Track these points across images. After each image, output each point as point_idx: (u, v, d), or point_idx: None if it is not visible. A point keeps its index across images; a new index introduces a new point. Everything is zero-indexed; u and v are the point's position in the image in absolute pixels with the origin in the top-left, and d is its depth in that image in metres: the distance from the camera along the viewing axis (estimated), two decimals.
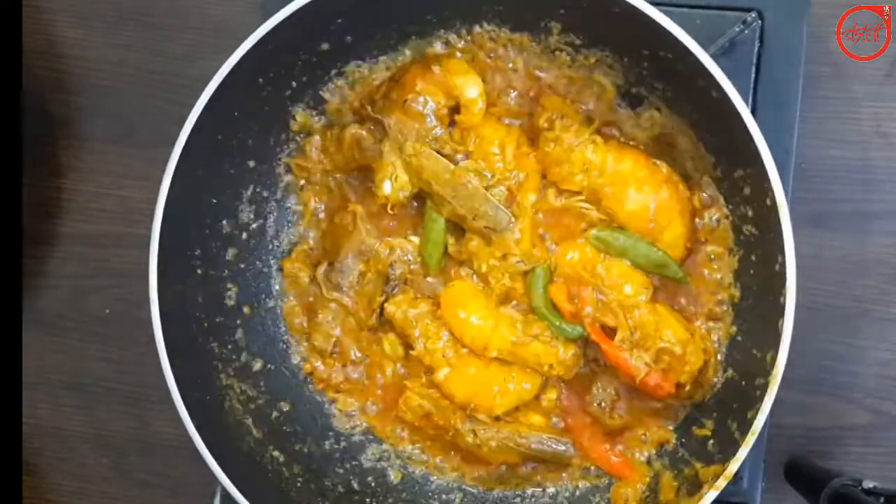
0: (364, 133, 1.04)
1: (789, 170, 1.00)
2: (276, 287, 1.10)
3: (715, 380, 0.98)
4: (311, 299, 1.10)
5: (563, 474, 1.05)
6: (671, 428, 1.01)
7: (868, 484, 0.93)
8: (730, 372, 0.97)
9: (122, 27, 1.16)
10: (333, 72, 1.04)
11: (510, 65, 1.02)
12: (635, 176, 0.98)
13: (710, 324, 0.99)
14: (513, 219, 1.01)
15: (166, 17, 1.15)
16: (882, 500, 0.91)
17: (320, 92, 1.05)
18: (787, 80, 1.00)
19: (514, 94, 1.03)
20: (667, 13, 0.84)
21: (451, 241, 1.05)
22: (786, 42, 1.00)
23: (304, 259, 1.10)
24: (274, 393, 1.08)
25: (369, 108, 1.03)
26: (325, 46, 0.99)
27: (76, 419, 1.20)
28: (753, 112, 1.00)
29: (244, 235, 1.07)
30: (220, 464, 0.92)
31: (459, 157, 1.02)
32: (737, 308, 0.98)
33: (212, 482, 0.94)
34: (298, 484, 1.02)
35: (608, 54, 0.98)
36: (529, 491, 1.06)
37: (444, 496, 1.08)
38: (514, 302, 1.04)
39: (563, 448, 1.03)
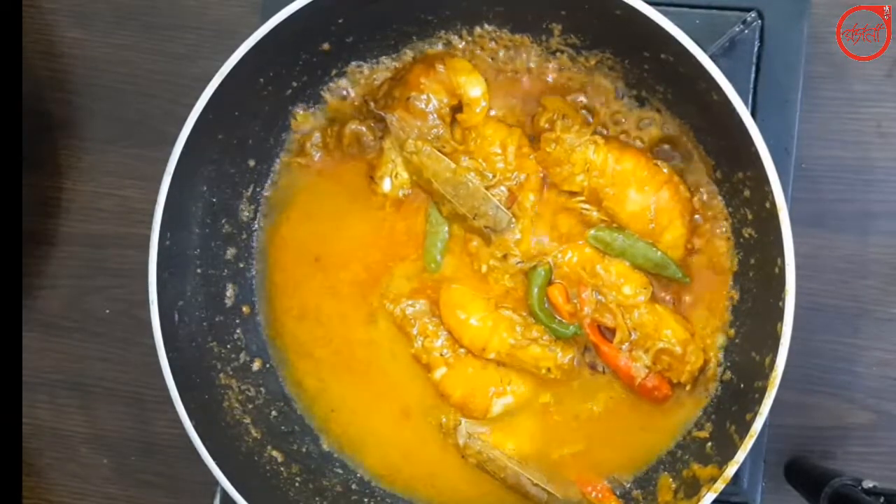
0: (364, 129, 1.04)
1: (789, 170, 1.00)
2: None
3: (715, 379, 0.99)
4: None
5: None
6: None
7: (868, 484, 0.93)
8: (728, 374, 0.97)
9: (122, 27, 1.16)
10: (334, 72, 1.04)
11: (511, 66, 1.02)
12: (636, 176, 0.98)
13: (709, 326, 0.99)
14: (513, 219, 1.01)
15: (166, 17, 1.15)
16: (882, 500, 0.91)
17: (321, 92, 1.05)
18: (787, 80, 1.00)
19: (515, 95, 1.03)
20: (666, 13, 0.84)
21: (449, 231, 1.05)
22: (786, 42, 1.00)
23: None
24: (272, 392, 1.08)
25: (372, 105, 1.03)
26: (325, 46, 1.00)
27: (76, 419, 1.19)
28: (753, 112, 1.00)
29: (244, 235, 1.07)
30: (218, 463, 0.92)
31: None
32: (736, 310, 0.98)
33: (211, 482, 0.94)
34: (297, 483, 1.02)
35: (609, 56, 0.98)
36: None
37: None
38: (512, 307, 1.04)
39: (540, 494, 1.02)
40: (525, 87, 1.03)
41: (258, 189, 1.07)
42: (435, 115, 1.02)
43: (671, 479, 0.97)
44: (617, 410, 1.02)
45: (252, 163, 1.05)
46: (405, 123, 1.01)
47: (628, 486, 1.02)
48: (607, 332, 1.01)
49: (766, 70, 1.01)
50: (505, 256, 1.02)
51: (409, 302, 1.05)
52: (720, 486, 0.86)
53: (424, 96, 1.01)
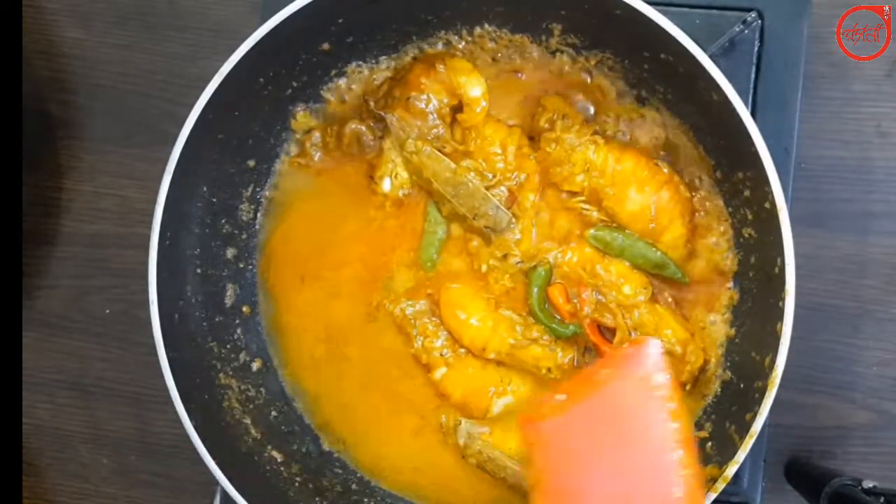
0: (364, 129, 1.04)
1: (789, 170, 1.00)
2: None
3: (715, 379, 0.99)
4: None
5: None
6: None
7: (868, 484, 0.93)
8: (728, 374, 0.97)
9: (122, 27, 1.16)
10: (334, 72, 1.04)
11: (511, 66, 1.02)
12: (636, 176, 0.98)
13: (709, 326, 0.99)
14: (513, 219, 1.01)
15: (166, 17, 1.15)
16: (882, 500, 0.91)
17: (321, 92, 1.05)
18: (787, 80, 1.00)
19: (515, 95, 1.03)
20: (666, 13, 0.84)
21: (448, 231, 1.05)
22: (786, 42, 1.00)
23: None
24: (272, 392, 1.08)
25: (372, 105, 1.03)
26: (325, 46, 1.00)
27: (76, 419, 1.19)
28: (753, 112, 1.00)
29: (244, 235, 1.07)
30: (218, 463, 0.92)
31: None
32: (735, 310, 0.98)
33: (211, 482, 0.94)
34: (297, 484, 1.02)
35: (609, 56, 0.98)
36: None
37: None
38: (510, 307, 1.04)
39: None
40: (525, 87, 1.03)
41: (258, 189, 1.07)
42: (435, 115, 1.02)
43: None
44: None
45: (252, 163, 1.05)
46: (405, 123, 1.01)
47: None
48: (607, 332, 1.01)
49: (766, 70, 1.01)
50: (505, 256, 1.02)
51: (409, 302, 1.05)
52: (720, 486, 0.86)
53: (424, 96, 1.01)
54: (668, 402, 0.78)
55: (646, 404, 0.78)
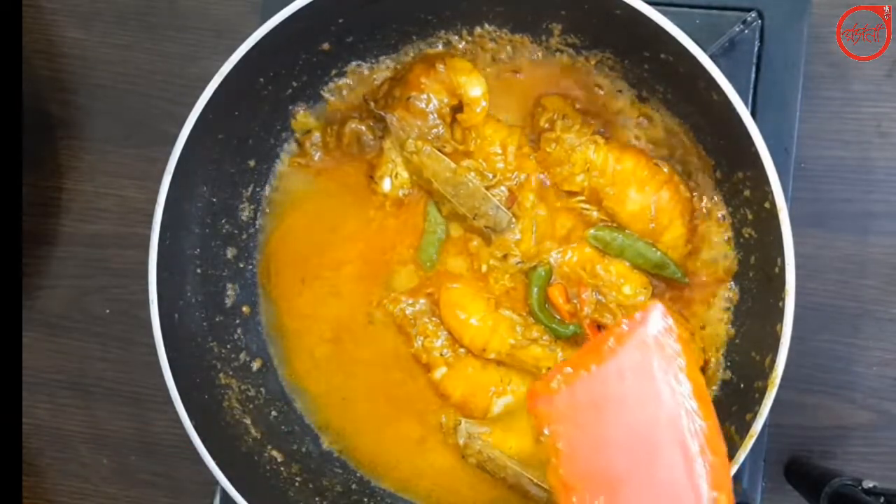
0: (364, 129, 1.04)
1: (789, 170, 1.00)
2: None
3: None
4: None
5: None
6: None
7: (868, 484, 0.93)
8: (728, 374, 0.97)
9: (122, 27, 1.16)
10: (334, 72, 1.04)
11: (511, 66, 1.02)
12: (636, 176, 0.98)
13: (709, 326, 0.99)
14: (513, 219, 1.01)
15: (166, 17, 1.15)
16: (882, 500, 0.91)
17: (321, 91, 1.05)
18: (787, 80, 1.00)
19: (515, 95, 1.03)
20: (666, 13, 0.84)
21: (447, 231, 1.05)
22: (786, 42, 1.00)
23: None
24: (272, 392, 1.08)
25: (372, 105, 1.03)
26: (325, 46, 1.00)
27: (76, 419, 1.20)
28: (753, 112, 1.00)
29: (244, 235, 1.07)
30: (218, 463, 0.92)
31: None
32: (735, 310, 0.98)
33: (211, 482, 0.94)
34: (296, 483, 1.02)
35: (609, 56, 0.98)
36: None
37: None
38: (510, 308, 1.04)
39: (540, 493, 1.01)
40: (525, 87, 1.03)
41: (258, 189, 1.07)
42: (435, 115, 1.02)
43: None
44: None
45: (252, 163, 1.05)
46: (405, 123, 1.01)
47: None
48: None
49: (766, 70, 1.01)
50: (505, 256, 1.02)
51: (409, 301, 1.05)
52: None
53: (425, 96, 1.01)
54: (677, 359, 0.78)
55: (656, 365, 0.78)
